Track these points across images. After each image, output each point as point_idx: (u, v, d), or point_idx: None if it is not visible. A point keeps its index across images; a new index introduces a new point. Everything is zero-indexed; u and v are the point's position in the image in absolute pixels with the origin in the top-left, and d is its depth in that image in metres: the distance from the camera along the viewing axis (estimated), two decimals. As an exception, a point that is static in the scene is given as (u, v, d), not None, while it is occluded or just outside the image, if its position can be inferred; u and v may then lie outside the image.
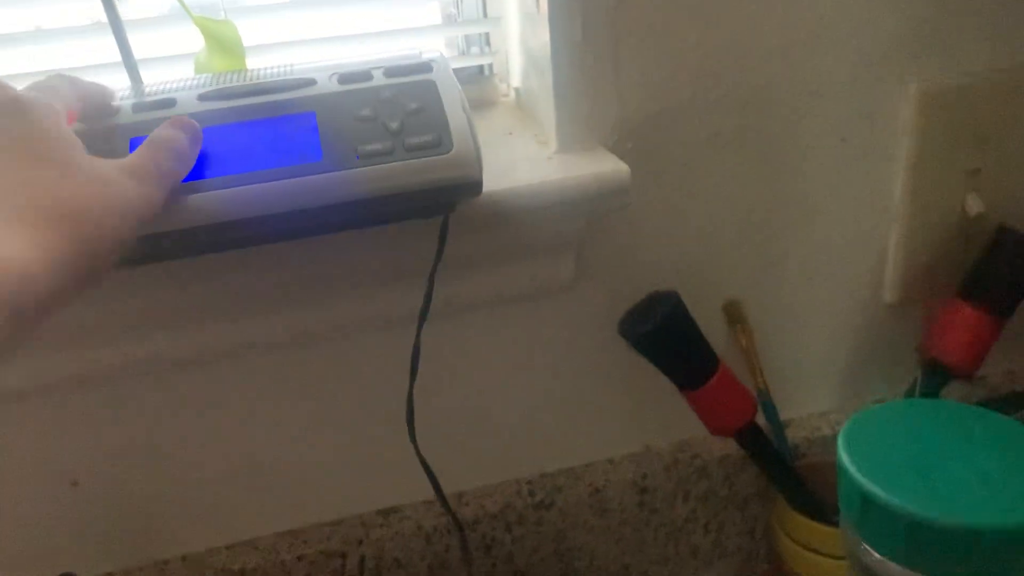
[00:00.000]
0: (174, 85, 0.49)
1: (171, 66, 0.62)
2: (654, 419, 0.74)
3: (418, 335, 0.54)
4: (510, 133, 0.64)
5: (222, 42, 0.58)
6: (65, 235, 0.33)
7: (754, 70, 0.61)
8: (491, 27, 0.71)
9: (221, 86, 0.48)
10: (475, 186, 0.47)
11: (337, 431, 0.67)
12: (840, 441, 0.47)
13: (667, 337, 0.58)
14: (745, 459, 0.75)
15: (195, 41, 0.59)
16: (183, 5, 0.56)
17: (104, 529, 0.65)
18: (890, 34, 0.62)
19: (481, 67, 0.72)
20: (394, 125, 0.46)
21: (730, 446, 0.75)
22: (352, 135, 0.46)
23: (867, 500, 0.43)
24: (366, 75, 0.49)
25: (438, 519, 0.69)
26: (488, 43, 0.74)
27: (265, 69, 0.51)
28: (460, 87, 0.49)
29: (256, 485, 0.67)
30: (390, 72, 0.49)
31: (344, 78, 0.49)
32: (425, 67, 0.50)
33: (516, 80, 0.69)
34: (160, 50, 0.63)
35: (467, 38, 0.74)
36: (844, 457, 0.46)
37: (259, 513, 0.68)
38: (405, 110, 0.47)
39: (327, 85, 0.48)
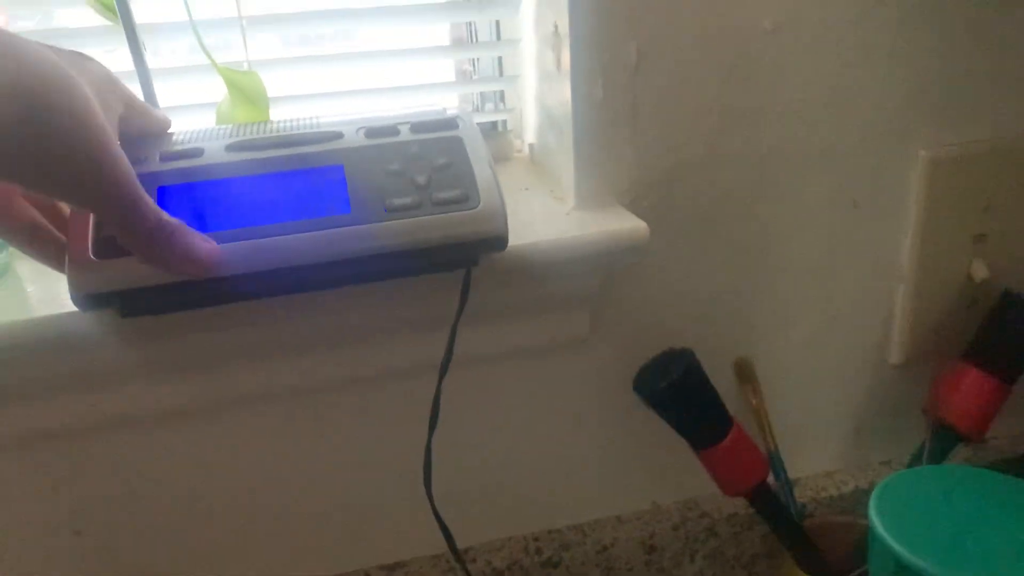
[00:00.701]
0: (200, 134, 0.50)
1: (193, 114, 0.63)
2: (662, 476, 0.74)
3: (439, 387, 0.54)
4: (526, 188, 0.64)
5: (246, 92, 0.59)
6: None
7: (768, 131, 0.62)
8: (507, 85, 0.73)
9: (248, 137, 0.49)
10: (501, 241, 0.47)
11: (345, 481, 0.66)
12: (872, 506, 0.47)
13: (682, 395, 0.58)
14: (753, 518, 0.74)
15: (217, 90, 0.60)
16: (208, 56, 0.57)
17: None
18: (901, 101, 0.64)
19: (495, 123, 0.74)
20: (422, 180, 0.47)
21: (738, 505, 0.74)
22: (380, 189, 0.46)
23: (901, 567, 0.43)
24: (393, 130, 0.50)
25: (444, 575, 0.68)
26: (503, 100, 0.75)
27: (289, 121, 0.52)
28: (485, 144, 0.50)
29: (261, 534, 0.66)
30: (417, 128, 0.50)
31: (371, 132, 0.49)
32: (451, 123, 0.50)
33: (531, 136, 0.70)
34: (183, 98, 0.64)
35: (482, 95, 0.75)
36: (877, 523, 0.45)
37: (264, 563, 0.67)
38: (433, 165, 0.48)
39: (354, 139, 0.49)
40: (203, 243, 0.42)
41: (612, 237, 0.55)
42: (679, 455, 0.63)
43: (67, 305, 0.49)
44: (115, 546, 0.63)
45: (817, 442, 0.78)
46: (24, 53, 0.33)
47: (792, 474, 0.75)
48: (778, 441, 0.72)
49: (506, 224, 0.47)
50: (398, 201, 0.46)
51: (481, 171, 0.48)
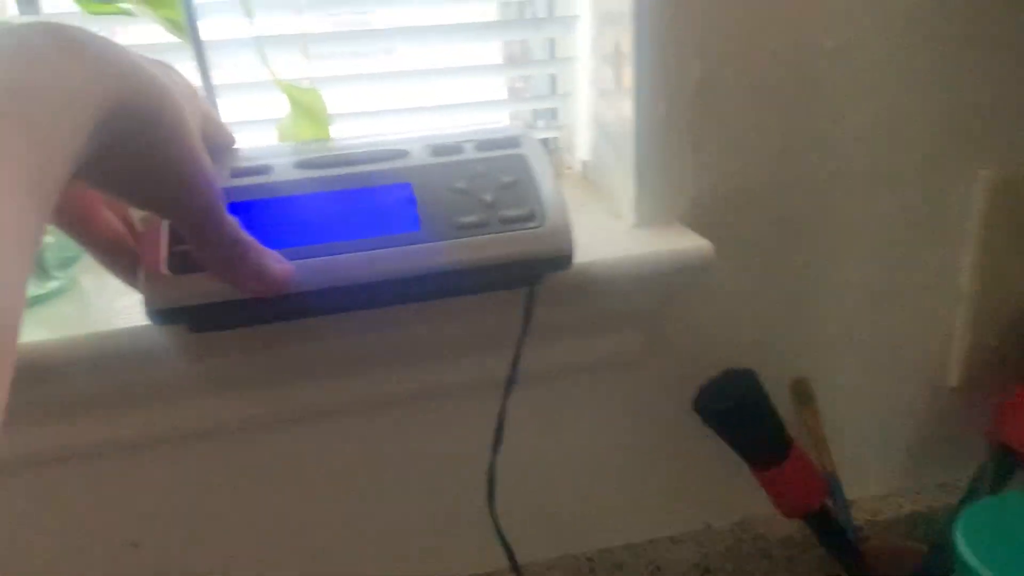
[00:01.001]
0: (267, 151, 0.50)
1: (253, 130, 0.63)
2: (715, 497, 0.73)
3: (503, 407, 0.54)
4: (582, 206, 0.64)
5: (307, 109, 0.59)
6: None
7: (831, 155, 0.62)
8: (560, 103, 0.73)
9: (315, 155, 0.49)
10: (567, 260, 0.47)
11: (402, 497, 0.66)
12: (958, 534, 0.46)
13: (744, 415, 0.58)
14: (808, 541, 0.73)
15: (277, 107, 0.60)
16: (271, 72, 0.57)
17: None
18: (962, 122, 0.63)
19: (546, 140, 0.74)
20: (488, 198, 0.47)
21: (792, 527, 0.73)
22: (448, 206, 0.46)
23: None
24: (457, 148, 0.50)
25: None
26: (555, 117, 0.75)
27: (353, 138, 0.52)
28: (548, 162, 0.50)
29: (320, 550, 0.66)
30: (481, 146, 0.50)
31: (436, 150, 0.49)
32: (514, 142, 0.50)
33: (583, 153, 0.70)
34: (243, 114, 0.65)
35: (535, 112, 0.75)
36: (966, 551, 0.45)
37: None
38: (498, 183, 0.48)
39: (420, 157, 0.49)
40: (276, 263, 0.42)
41: (677, 256, 0.54)
42: (733, 475, 0.62)
43: (133, 319, 0.49)
44: (172, 559, 0.63)
45: (873, 464, 0.77)
46: (127, 63, 0.33)
47: (847, 496, 0.74)
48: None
49: (572, 243, 0.47)
50: (466, 219, 0.46)
51: (546, 189, 0.48)
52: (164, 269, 0.43)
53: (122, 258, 0.43)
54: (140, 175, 0.35)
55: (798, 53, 0.58)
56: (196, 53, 0.55)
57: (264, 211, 0.46)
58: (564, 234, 0.46)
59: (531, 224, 0.46)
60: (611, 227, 0.59)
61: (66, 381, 0.51)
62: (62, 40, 0.30)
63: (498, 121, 0.76)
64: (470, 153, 0.49)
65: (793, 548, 0.73)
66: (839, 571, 0.68)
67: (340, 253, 0.44)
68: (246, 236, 0.41)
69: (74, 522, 0.60)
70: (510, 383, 0.54)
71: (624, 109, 0.58)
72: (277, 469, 0.62)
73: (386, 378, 0.59)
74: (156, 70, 0.35)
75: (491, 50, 0.78)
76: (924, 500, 0.78)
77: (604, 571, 0.70)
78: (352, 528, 0.66)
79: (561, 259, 0.47)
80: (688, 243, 0.55)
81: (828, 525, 0.64)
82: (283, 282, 0.42)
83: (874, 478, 0.77)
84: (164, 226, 0.44)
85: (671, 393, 0.65)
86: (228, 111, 0.60)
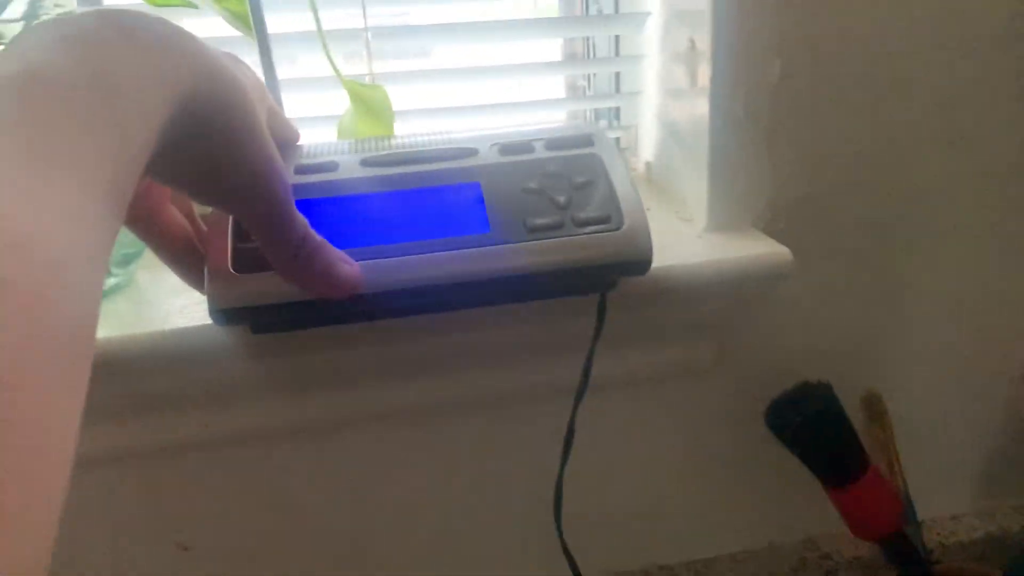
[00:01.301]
0: (331, 147, 0.49)
1: (313, 127, 0.62)
2: (780, 513, 0.70)
3: (573, 417, 0.52)
4: (648, 208, 0.62)
5: (370, 106, 0.57)
6: None
7: (916, 157, 0.59)
8: (624, 102, 0.70)
9: (382, 152, 0.47)
10: (645, 264, 0.45)
11: (460, 504, 0.64)
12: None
13: (819, 430, 0.55)
14: (876, 561, 0.70)
15: (337, 103, 0.59)
16: (334, 68, 0.56)
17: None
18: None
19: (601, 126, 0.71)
20: (562, 199, 0.45)
21: (861, 547, 0.70)
22: (519, 207, 0.44)
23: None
24: (527, 147, 0.48)
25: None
26: (618, 117, 0.73)
27: (419, 136, 0.50)
28: (623, 162, 0.47)
29: (375, 556, 0.64)
30: (552, 144, 0.48)
31: (505, 149, 0.47)
32: (587, 140, 0.48)
33: (648, 154, 0.68)
34: (304, 110, 0.63)
35: (596, 111, 0.73)
36: None
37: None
38: (572, 184, 0.45)
39: (489, 156, 0.47)
40: (344, 264, 0.40)
41: (754, 263, 0.52)
42: (799, 492, 0.60)
43: (191, 318, 0.48)
44: (222, 562, 0.62)
45: (945, 482, 0.73)
46: (199, 52, 0.32)
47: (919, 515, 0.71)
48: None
49: (651, 247, 0.44)
50: (539, 221, 0.44)
51: (623, 190, 0.45)
52: (230, 268, 0.42)
53: (187, 256, 0.42)
54: (209, 169, 0.34)
55: (886, 48, 0.55)
56: (261, 47, 0.53)
57: (330, 209, 0.44)
58: (642, 237, 0.44)
59: (607, 227, 0.44)
60: (681, 231, 0.57)
61: (122, 380, 0.50)
62: (132, 28, 0.28)
63: (557, 120, 0.75)
64: (541, 152, 0.47)
65: (861, 569, 0.70)
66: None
67: (408, 254, 0.43)
68: (315, 235, 0.39)
69: (125, 523, 0.59)
70: (579, 397, 0.51)
71: (698, 108, 0.55)
72: (334, 474, 0.61)
73: (451, 382, 0.57)
74: (226, 61, 0.34)
75: (550, 47, 0.76)
76: (998, 522, 0.74)
77: (664, 588, 0.67)
78: (412, 534, 0.64)
79: (639, 264, 0.45)
80: (765, 250, 0.53)
81: (904, 549, 0.61)
82: (352, 285, 0.41)
83: (946, 497, 0.74)
84: (230, 223, 0.43)
85: (739, 404, 0.63)
86: (290, 107, 0.59)
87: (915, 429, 0.69)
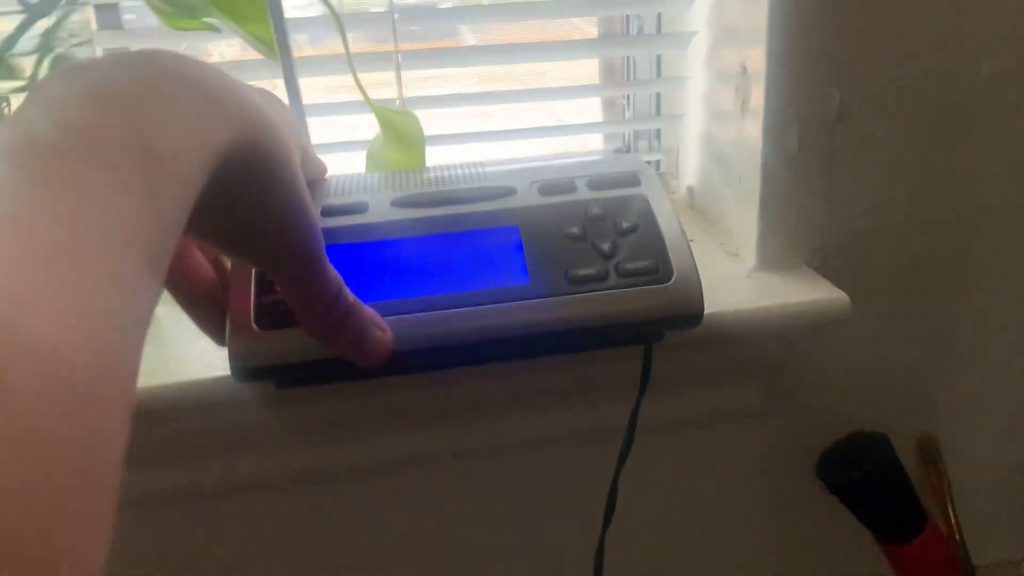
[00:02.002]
0: (359, 184, 0.46)
1: (339, 153, 0.59)
2: (826, 561, 0.66)
3: (615, 480, 0.49)
4: (691, 240, 0.59)
5: (401, 134, 0.54)
6: None
7: (977, 192, 0.55)
8: (666, 124, 0.67)
9: (414, 191, 0.44)
10: (696, 319, 0.42)
11: (488, 551, 0.61)
12: None
13: (876, 486, 0.52)
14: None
15: (364, 129, 0.56)
16: (363, 92, 0.53)
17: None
18: None
19: (648, 163, 0.68)
20: (606, 247, 0.42)
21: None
22: (560, 256, 0.41)
23: None
24: (569, 186, 0.44)
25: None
26: (659, 138, 0.70)
27: (452, 169, 0.47)
28: (671, 203, 0.44)
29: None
30: (595, 184, 0.44)
31: (545, 188, 0.44)
32: (632, 179, 0.45)
33: (690, 179, 0.65)
34: (328, 136, 0.61)
35: (636, 133, 0.70)
36: None
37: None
38: (617, 229, 0.42)
39: (528, 196, 0.44)
40: (376, 331, 0.38)
41: (808, 308, 0.48)
42: (846, 540, 0.57)
43: (213, 365, 0.46)
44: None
45: (999, 527, 0.70)
46: (245, 99, 0.29)
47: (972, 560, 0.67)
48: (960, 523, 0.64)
49: (702, 301, 0.41)
50: (582, 272, 0.41)
51: (672, 237, 0.42)
52: (252, 324, 0.39)
53: (209, 306, 0.39)
54: (240, 223, 0.31)
55: (949, 80, 0.51)
56: (285, 71, 0.51)
57: (359, 255, 0.41)
58: (693, 291, 0.41)
59: (655, 278, 0.41)
60: (729, 269, 0.54)
61: (140, 427, 0.48)
62: (168, 81, 0.26)
63: (595, 149, 0.71)
64: (583, 192, 0.44)
65: (911, 618, 0.67)
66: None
67: (441, 308, 0.40)
68: (349, 295, 0.36)
69: (148, 569, 0.57)
70: (623, 458, 0.48)
71: (748, 134, 0.52)
72: (363, 521, 0.58)
73: (487, 428, 0.55)
74: (260, 100, 0.31)
75: (588, 67, 0.73)
76: (1055, 568, 0.70)
77: (704, 639, 0.64)
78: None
79: (690, 318, 0.42)
80: (822, 294, 0.49)
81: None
82: (382, 354, 0.38)
83: (1001, 541, 0.70)
84: (252, 276, 0.40)
85: (786, 449, 0.60)
86: (315, 133, 0.56)
87: (969, 472, 0.65)
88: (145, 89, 0.24)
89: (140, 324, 0.21)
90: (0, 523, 0.14)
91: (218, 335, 0.40)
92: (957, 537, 0.64)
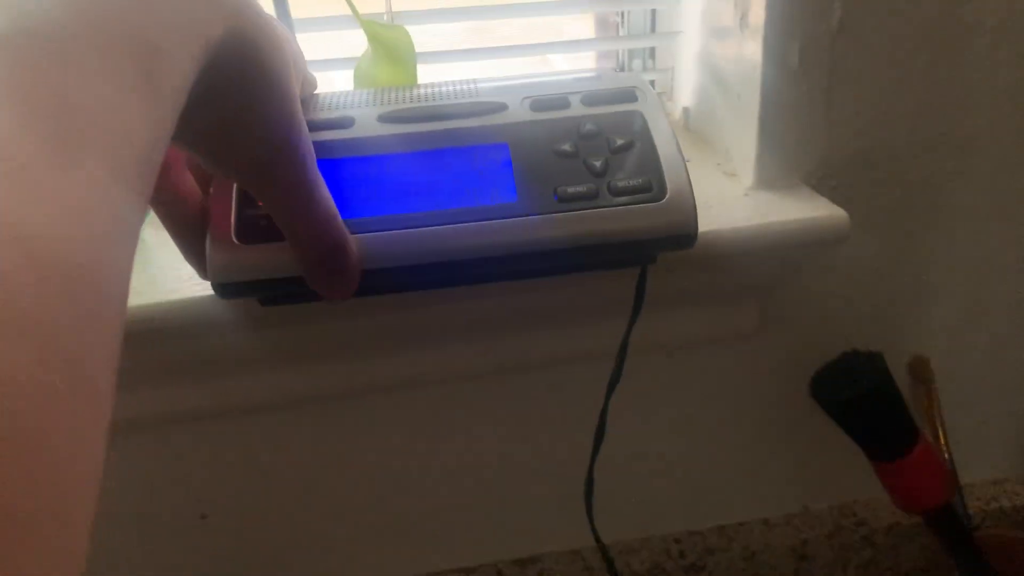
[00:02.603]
0: (347, 99, 0.44)
1: (327, 71, 0.58)
2: (816, 477, 0.67)
3: (606, 404, 0.49)
4: (688, 160, 0.57)
5: (391, 50, 0.53)
6: None
7: (976, 112, 0.53)
8: (661, 42, 0.65)
9: (402, 106, 0.43)
10: (689, 239, 0.41)
11: (479, 473, 0.62)
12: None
13: (870, 404, 0.51)
14: (914, 529, 0.67)
15: (354, 46, 0.54)
16: (351, 6, 0.51)
17: (231, 568, 0.62)
18: None
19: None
20: (598, 164, 0.40)
21: (899, 514, 0.67)
22: (550, 173, 0.40)
23: None
24: (562, 101, 0.43)
25: (581, 573, 0.64)
26: (653, 57, 0.68)
27: (443, 85, 0.46)
28: (668, 120, 0.43)
29: (391, 525, 0.63)
30: (589, 99, 0.43)
31: (537, 104, 0.43)
32: (629, 95, 0.43)
33: (686, 99, 0.63)
34: (315, 52, 0.59)
35: (630, 52, 0.68)
36: None
37: (392, 554, 0.64)
38: (610, 146, 0.41)
39: (520, 112, 0.43)
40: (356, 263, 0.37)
41: (807, 226, 0.47)
42: (835, 457, 0.57)
43: (200, 287, 0.45)
44: (240, 531, 0.60)
45: (990, 448, 0.70)
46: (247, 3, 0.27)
47: (960, 480, 0.68)
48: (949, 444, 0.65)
49: (696, 220, 0.40)
50: (571, 189, 0.40)
51: (667, 155, 0.41)
52: (233, 238, 0.38)
53: (194, 231, 0.38)
54: (230, 131, 0.30)
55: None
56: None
57: (343, 171, 0.40)
58: (687, 209, 0.40)
59: (648, 197, 0.40)
60: (726, 188, 0.53)
61: (131, 349, 0.47)
62: None
63: (589, 67, 0.69)
64: (577, 108, 0.43)
65: (898, 536, 0.68)
66: (948, 560, 0.63)
67: (426, 225, 0.39)
68: (342, 228, 0.36)
69: (142, 493, 0.57)
70: (613, 384, 0.48)
71: (748, 52, 0.50)
72: (354, 442, 0.58)
73: (478, 349, 0.54)
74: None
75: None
76: (1043, 488, 0.71)
77: (694, 555, 0.65)
78: (432, 503, 0.62)
79: (683, 238, 0.41)
80: (821, 212, 0.48)
81: (950, 522, 0.58)
82: (347, 295, 0.38)
83: (989, 462, 0.71)
84: (235, 187, 0.39)
85: (779, 368, 0.60)
86: (304, 49, 0.54)
87: (958, 392, 0.66)
88: None
89: (133, 227, 0.20)
90: None
91: (203, 266, 0.39)
92: (946, 456, 0.64)
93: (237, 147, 0.31)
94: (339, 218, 0.36)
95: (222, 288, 0.39)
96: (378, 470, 0.60)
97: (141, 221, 0.21)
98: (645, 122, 0.42)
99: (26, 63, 0.18)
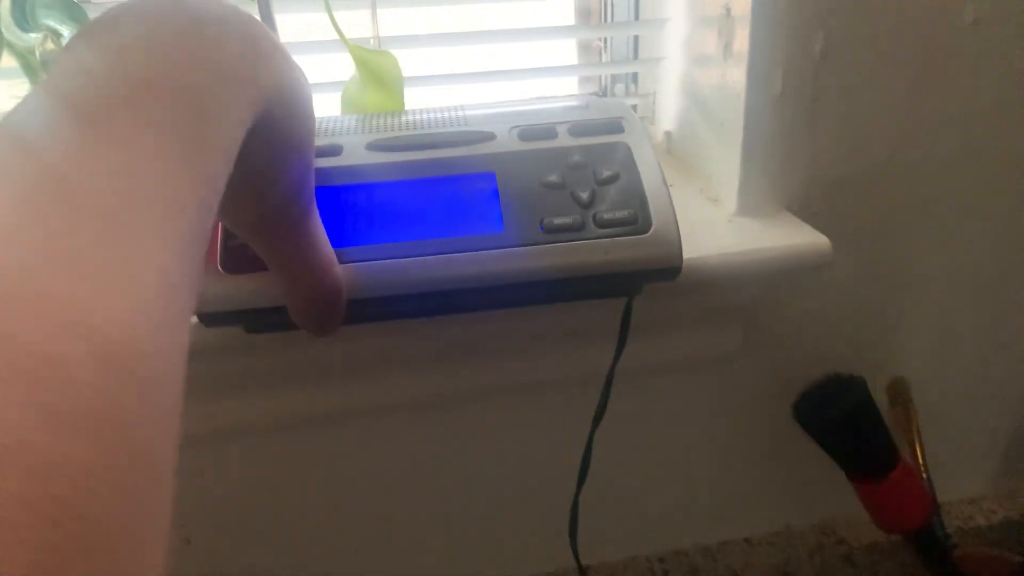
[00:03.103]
0: (334, 125, 0.45)
1: (313, 95, 0.58)
2: (797, 496, 0.68)
3: (591, 436, 0.49)
4: (671, 185, 0.58)
5: (378, 75, 0.53)
6: None
7: (955, 136, 0.54)
8: (643, 67, 0.66)
9: (390, 134, 0.43)
10: (674, 272, 0.41)
11: (464, 494, 0.62)
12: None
13: (852, 427, 0.52)
14: (894, 547, 0.68)
15: (340, 69, 0.54)
16: (338, 31, 0.51)
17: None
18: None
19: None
20: (584, 195, 0.41)
21: (879, 533, 0.68)
22: (537, 204, 0.41)
23: None
24: (550, 131, 0.43)
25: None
26: (635, 82, 0.68)
27: (430, 112, 0.46)
28: (653, 151, 0.43)
29: (374, 549, 0.63)
30: (576, 130, 0.44)
31: (525, 134, 0.43)
32: (615, 126, 0.44)
33: (668, 123, 0.64)
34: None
35: (613, 77, 0.69)
36: None
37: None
38: (597, 178, 0.42)
39: (507, 142, 0.43)
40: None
41: (790, 252, 0.48)
42: (816, 476, 0.58)
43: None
44: (224, 555, 0.60)
45: (966, 467, 0.71)
46: (277, 52, 0.27)
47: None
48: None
49: (681, 253, 0.41)
50: (558, 220, 0.40)
51: (653, 187, 0.41)
52: (218, 267, 0.38)
53: None
54: (244, 188, 0.29)
55: (932, 25, 0.50)
56: (261, 8, 0.49)
57: (331, 199, 0.40)
58: (672, 244, 0.40)
59: (633, 229, 0.40)
60: (709, 214, 0.53)
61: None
62: (204, 20, 0.24)
63: (573, 92, 0.70)
64: (564, 139, 0.43)
65: (878, 554, 0.69)
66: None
67: (413, 255, 0.39)
68: (337, 271, 0.36)
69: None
70: (598, 418, 0.48)
71: (731, 78, 0.51)
72: (337, 466, 0.58)
73: (464, 376, 0.54)
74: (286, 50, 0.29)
75: (563, 9, 0.71)
76: (1018, 507, 0.72)
77: (679, 575, 0.65)
78: (419, 523, 0.62)
79: (668, 271, 0.41)
80: (803, 238, 0.49)
81: (929, 541, 0.59)
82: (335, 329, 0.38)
83: (965, 481, 0.72)
84: None
85: (760, 390, 0.60)
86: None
87: (935, 412, 0.66)
88: (193, 35, 0.23)
89: (190, 304, 0.20)
90: (69, 510, 0.14)
91: None
92: (925, 476, 0.65)
93: (246, 203, 0.31)
94: (336, 265, 0.36)
95: (208, 317, 0.39)
96: (361, 493, 0.60)
97: (196, 296, 0.21)
98: (631, 153, 0.42)
99: (89, 126, 0.19)
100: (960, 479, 0.72)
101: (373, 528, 0.62)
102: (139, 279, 0.17)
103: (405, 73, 0.54)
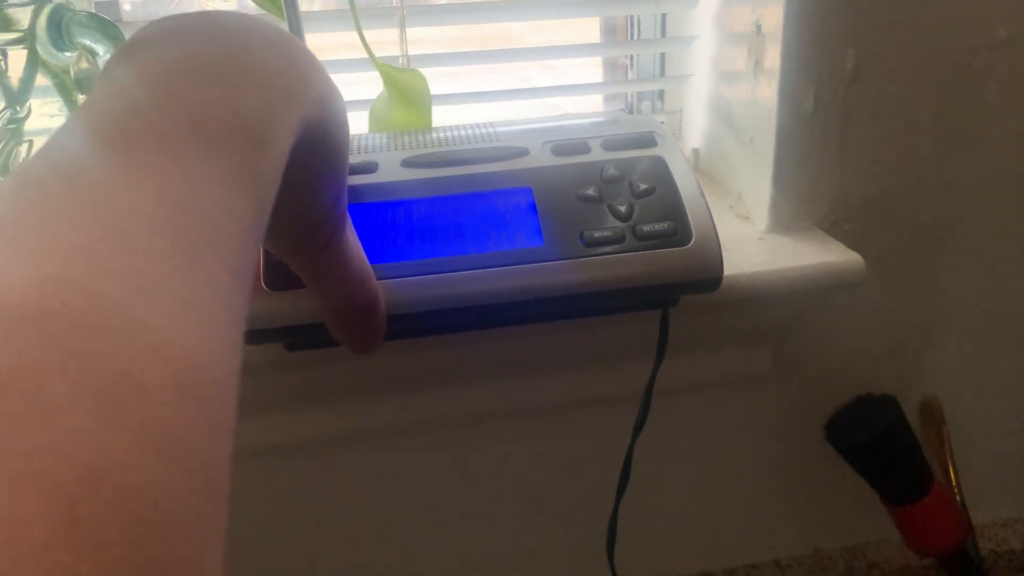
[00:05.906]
0: (368, 143, 0.45)
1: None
2: (826, 519, 0.67)
3: (630, 450, 0.48)
4: (704, 203, 0.58)
5: (407, 93, 0.53)
6: None
7: (987, 155, 0.54)
8: (669, 85, 0.66)
9: (424, 151, 0.43)
10: (715, 283, 0.41)
11: (499, 514, 0.61)
12: None
13: (885, 449, 0.52)
14: (927, 572, 0.67)
15: (369, 88, 0.54)
16: (368, 50, 0.51)
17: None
18: None
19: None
20: (622, 208, 0.41)
21: (910, 556, 0.67)
22: (575, 217, 0.40)
23: None
24: (583, 146, 0.43)
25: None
26: (662, 99, 0.68)
27: (461, 129, 0.46)
28: (689, 165, 0.43)
29: (409, 566, 0.62)
30: (609, 144, 0.43)
31: (559, 149, 0.43)
32: (648, 140, 0.44)
33: (695, 141, 0.64)
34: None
35: (639, 94, 0.69)
36: None
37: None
38: (633, 191, 0.41)
39: (541, 156, 0.43)
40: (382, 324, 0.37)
41: (823, 270, 0.48)
42: (847, 498, 0.57)
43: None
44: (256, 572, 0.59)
45: (1001, 488, 0.70)
46: (318, 72, 0.27)
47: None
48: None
49: (722, 264, 0.41)
50: (598, 234, 0.40)
51: (690, 199, 0.41)
52: (262, 284, 0.38)
53: None
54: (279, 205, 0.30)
55: (965, 42, 0.50)
56: (291, 25, 0.49)
57: (369, 216, 0.40)
58: (713, 255, 0.40)
59: (673, 241, 0.40)
60: (740, 231, 0.53)
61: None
62: (248, 44, 0.24)
63: (599, 109, 0.70)
64: (598, 153, 0.43)
65: (910, 578, 0.67)
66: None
67: (453, 270, 0.39)
68: (374, 284, 0.36)
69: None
70: (639, 427, 0.48)
71: (762, 95, 0.51)
72: (374, 485, 0.58)
73: (502, 390, 0.54)
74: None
75: (588, 27, 0.71)
76: (1052, 528, 0.71)
77: (707, 599, 0.64)
78: (452, 541, 0.62)
79: (709, 282, 0.41)
80: (837, 256, 0.48)
81: (963, 565, 0.58)
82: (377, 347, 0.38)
83: (999, 502, 0.71)
84: None
85: (792, 410, 0.60)
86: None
87: (973, 435, 0.66)
88: (238, 53, 0.23)
89: (245, 314, 0.20)
90: (155, 532, 0.14)
91: None
92: (958, 498, 0.64)
93: (281, 220, 0.30)
94: (373, 278, 0.36)
95: (251, 335, 0.39)
96: (398, 510, 0.59)
97: (246, 315, 0.21)
98: (667, 166, 0.42)
99: (141, 162, 0.19)
100: (993, 501, 0.71)
101: (410, 545, 0.61)
102: (209, 306, 0.18)
103: (432, 91, 0.54)
